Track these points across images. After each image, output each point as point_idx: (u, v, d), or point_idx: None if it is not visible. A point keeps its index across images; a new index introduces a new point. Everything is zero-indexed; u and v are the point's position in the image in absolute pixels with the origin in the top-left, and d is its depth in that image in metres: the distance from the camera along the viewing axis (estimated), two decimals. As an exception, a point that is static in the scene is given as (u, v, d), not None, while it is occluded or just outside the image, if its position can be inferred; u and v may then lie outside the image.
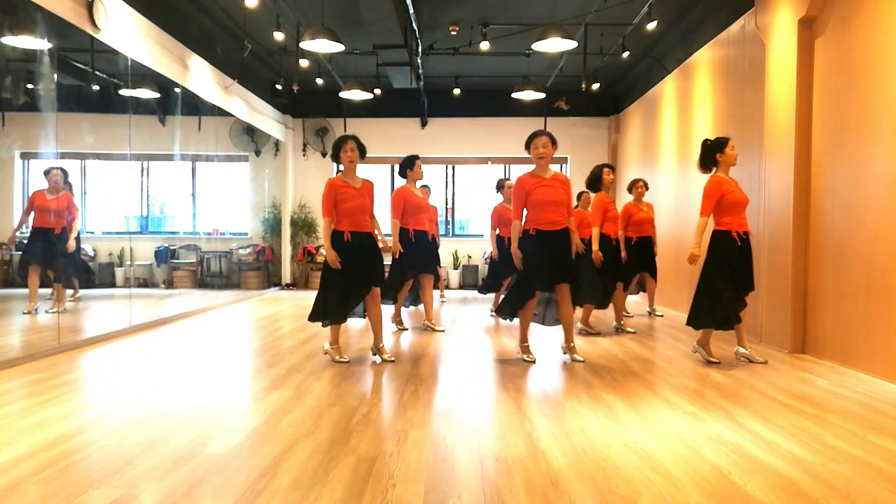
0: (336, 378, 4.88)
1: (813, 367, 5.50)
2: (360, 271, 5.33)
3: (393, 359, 5.54)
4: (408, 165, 7.05)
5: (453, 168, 13.99)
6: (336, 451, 3.20)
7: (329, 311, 5.36)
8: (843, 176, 5.53)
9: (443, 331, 7.29)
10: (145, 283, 11.16)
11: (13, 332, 6.93)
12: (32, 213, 7.32)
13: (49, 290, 7.47)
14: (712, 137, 5.81)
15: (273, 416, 3.84)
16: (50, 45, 6.16)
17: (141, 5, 7.24)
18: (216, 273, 11.87)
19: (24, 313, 7.29)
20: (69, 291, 7.92)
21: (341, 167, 5.46)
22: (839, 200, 5.59)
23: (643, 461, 3.10)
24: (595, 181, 7.12)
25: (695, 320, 5.50)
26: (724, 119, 7.93)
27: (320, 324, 5.46)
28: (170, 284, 11.03)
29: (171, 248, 11.35)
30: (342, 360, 5.45)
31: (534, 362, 5.51)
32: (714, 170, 5.57)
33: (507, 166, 13.90)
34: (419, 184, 7.38)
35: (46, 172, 7.41)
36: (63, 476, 2.84)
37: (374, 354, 5.60)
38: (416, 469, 2.97)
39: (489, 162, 13.76)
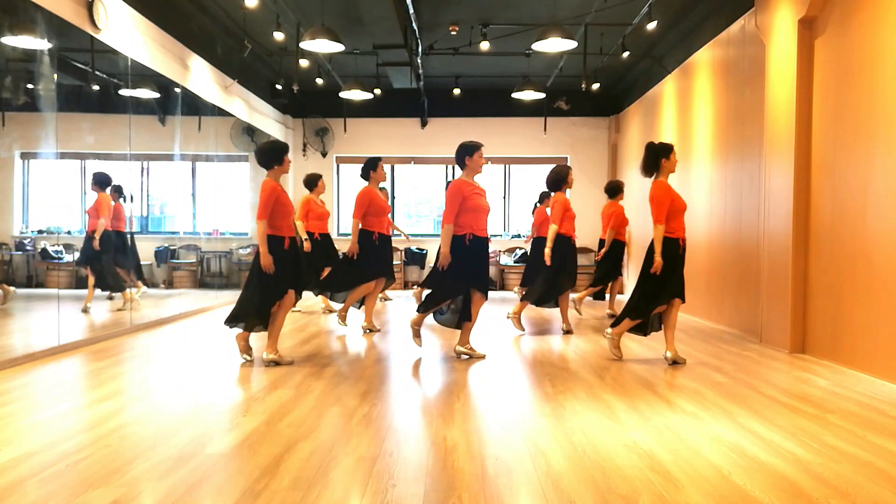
0: (336, 378, 4.88)
1: (813, 367, 5.51)
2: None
3: (278, 361, 5.31)
4: (371, 167, 7.05)
5: (453, 168, 13.97)
6: (336, 451, 3.21)
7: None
8: (843, 175, 5.53)
9: (378, 330, 7.30)
10: (145, 283, 11.14)
11: (13, 332, 6.93)
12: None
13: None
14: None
15: (273, 416, 3.84)
16: (50, 45, 6.15)
17: (141, 5, 7.24)
18: (216, 273, 11.85)
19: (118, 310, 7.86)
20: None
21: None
22: (839, 200, 5.59)
23: (643, 461, 3.10)
24: (560, 182, 7.18)
25: (633, 314, 5.49)
26: (724, 119, 7.93)
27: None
28: (170, 284, 11.02)
29: (171, 248, 11.35)
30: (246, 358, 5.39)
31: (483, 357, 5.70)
32: (656, 175, 5.47)
33: (507, 166, 13.91)
34: (380, 185, 7.43)
35: (118, 192, 8.25)
36: (63, 476, 2.84)
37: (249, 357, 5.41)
38: (416, 469, 2.97)
39: (489, 162, 13.76)
